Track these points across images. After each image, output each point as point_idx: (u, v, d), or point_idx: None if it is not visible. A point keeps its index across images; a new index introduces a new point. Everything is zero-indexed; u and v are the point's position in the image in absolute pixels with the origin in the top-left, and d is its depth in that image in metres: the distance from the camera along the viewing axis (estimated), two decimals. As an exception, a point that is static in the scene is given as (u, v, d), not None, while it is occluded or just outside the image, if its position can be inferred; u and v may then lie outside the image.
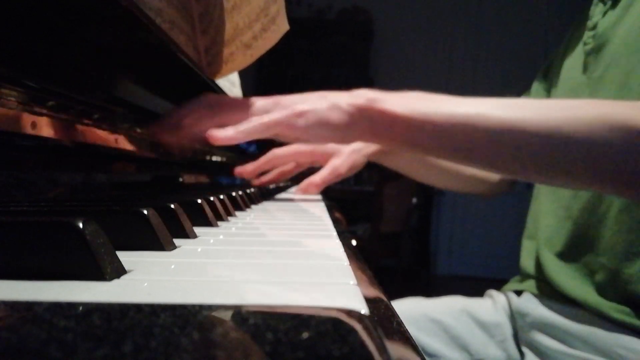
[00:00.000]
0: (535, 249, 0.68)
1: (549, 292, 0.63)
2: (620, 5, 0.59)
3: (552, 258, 0.63)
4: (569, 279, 0.60)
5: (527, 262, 0.71)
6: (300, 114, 0.52)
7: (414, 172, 0.82)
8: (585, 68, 0.63)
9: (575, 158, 0.45)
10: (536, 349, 0.63)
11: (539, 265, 0.66)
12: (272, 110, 0.54)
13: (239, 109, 0.55)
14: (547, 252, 0.64)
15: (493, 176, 0.79)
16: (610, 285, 0.55)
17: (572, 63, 0.67)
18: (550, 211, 0.66)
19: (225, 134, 0.53)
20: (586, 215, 0.59)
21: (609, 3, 0.61)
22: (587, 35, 0.63)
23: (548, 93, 0.75)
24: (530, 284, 0.68)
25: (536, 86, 0.79)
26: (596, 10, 0.63)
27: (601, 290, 0.56)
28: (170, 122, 0.56)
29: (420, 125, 0.49)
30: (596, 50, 0.60)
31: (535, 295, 0.66)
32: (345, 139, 0.54)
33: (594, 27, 0.62)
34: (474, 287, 0.77)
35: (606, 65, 0.58)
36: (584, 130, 0.44)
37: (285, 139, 0.57)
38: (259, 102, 0.55)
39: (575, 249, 0.60)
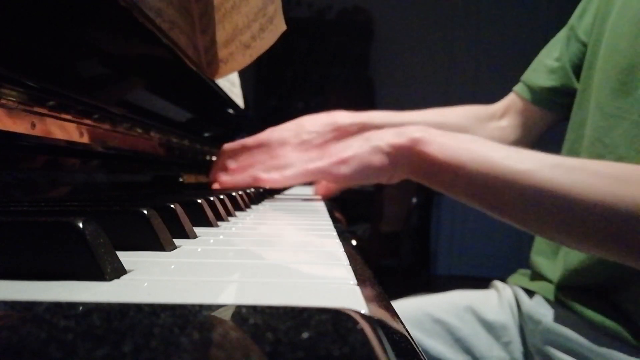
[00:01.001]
0: (552, 250, 0.64)
1: (564, 301, 0.59)
2: None
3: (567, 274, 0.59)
4: (580, 298, 0.57)
5: (539, 259, 0.67)
6: (344, 161, 0.55)
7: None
8: None
9: (614, 235, 0.43)
10: (547, 358, 0.60)
11: (552, 268, 0.63)
12: (317, 158, 0.58)
13: (282, 155, 0.61)
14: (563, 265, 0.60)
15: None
16: (624, 308, 0.53)
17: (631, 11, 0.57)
18: None
19: (272, 177, 0.58)
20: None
21: None
22: None
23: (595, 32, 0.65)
24: (544, 286, 0.64)
25: (571, 29, 0.70)
26: None
27: (617, 313, 0.53)
28: (235, 174, 0.63)
29: (455, 172, 0.49)
30: None
31: (549, 301, 0.62)
32: (391, 179, 0.56)
33: None
34: (474, 287, 0.77)
35: None
36: (625, 212, 0.41)
37: (331, 182, 0.60)
38: (308, 153, 0.60)
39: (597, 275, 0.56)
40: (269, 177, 0.58)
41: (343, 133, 0.69)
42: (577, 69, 0.68)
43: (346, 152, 0.55)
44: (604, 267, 0.55)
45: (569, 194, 0.43)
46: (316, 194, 0.77)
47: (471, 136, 0.52)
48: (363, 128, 0.70)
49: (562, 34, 0.72)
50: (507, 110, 0.77)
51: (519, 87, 0.75)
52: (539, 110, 0.73)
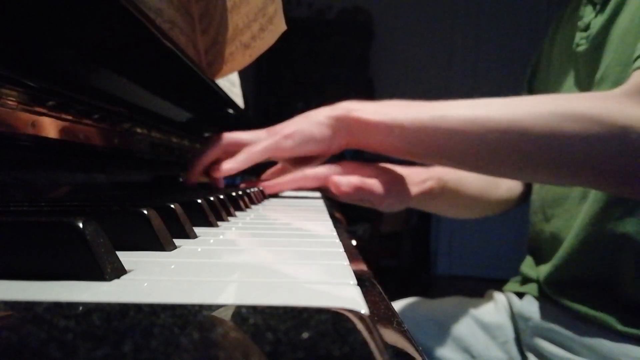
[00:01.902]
0: (538, 252, 0.67)
1: (551, 297, 0.62)
2: (609, 6, 0.58)
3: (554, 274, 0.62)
4: (571, 294, 0.59)
5: (527, 269, 0.70)
6: (287, 136, 0.60)
7: (448, 212, 0.82)
8: (577, 70, 0.62)
9: (535, 150, 0.47)
10: (539, 354, 0.62)
11: (540, 268, 0.66)
12: (263, 138, 0.62)
13: (243, 140, 0.64)
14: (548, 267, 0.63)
15: (514, 195, 0.79)
16: (611, 297, 0.55)
17: (562, 66, 0.66)
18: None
19: (227, 166, 0.62)
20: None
21: (599, 5, 0.60)
22: (580, 36, 0.62)
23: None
24: (532, 287, 0.67)
25: (526, 90, 0.79)
26: (586, 11, 0.62)
27: (602, 302, 0.55)
28: (197, 168, 0.66)
29: (389, 129, 0.54)
30: (591, 52, 0.60)
31: (537, 299, 0.65)
32: (332, 148, 0.61)
33: (587, 29, 0.61)
34: (474, 287, 0.77)
35: (605, 66, 0.57)
36: (541, 123, 0.46)
37: (279, 159, 0.66)
38: (253, 133, 0.64)
39: (574, 265, 0.59)
40: (226, 167, 0.61)
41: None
42: None
43: (289, 127, 0.61)
44: (588, 259, 0.57)
45: (486, 122, 0.49)
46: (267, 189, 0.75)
47: (398, 101, 0.57)
48: None
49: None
50: None
51: None
52: None
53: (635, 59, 0.49)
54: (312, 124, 0.60)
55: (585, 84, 0.60)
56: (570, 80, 0.64)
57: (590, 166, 0.47)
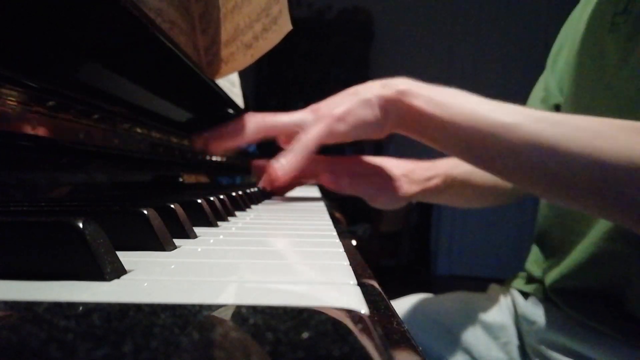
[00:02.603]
0: (544, 259, 0.66)
1: (557, 303, 0.61)
2: None
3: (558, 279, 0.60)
4: (578, 304, 0.58)
5: (533, 267, 0.69)
6: (339, 119, 0.54)
7: (455, 203, 0.79)
8: (614, 24, 0.55)
9: (594, 187, 0.43)
10: (543, 357, 0.61)
11: (544, 274, 0.64)
12: (312, 122, 0.55)
13: (282, 125, 0.57)
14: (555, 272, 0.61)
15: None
16: (618, 310, 0.54)
17: (591, 48, 0.60)
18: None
19: (287, 162, 0.54)
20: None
21: None
22: (616, 17, 0.55)
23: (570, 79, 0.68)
24: (537, 288, 0.66)
25: (546, 78, 0.74)
26: None
27: (610, 315, 0.54)
28: (220, 136, 0.59)
29: (442, 125, 0.49)
30: (632, 32, 0.53)
31: (542, 301, 0.64)
32: (382, 133, 0.55)
33: (624, 10, 0.54)
34: (474, 287, 0.77)
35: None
36: (608, 163, 0.42)
37: (330, 141, 0.57)
38: (297, 115, 0.57)
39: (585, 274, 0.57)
40: (286, 166, 0.54)
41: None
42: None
43: (340, 107, 0.55)
44: (599, 270, 0.55)
45: (552, 147, 0.44)
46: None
47: (456, 90, 0.52)
48: None
49: (545, 70, 0.75)
50: None
51: None
52: None
53: None
54: (363, 104, 0.54)
55: (624, 64, 0.54)
56: (605, 62, 0.57)
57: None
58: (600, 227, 0.55)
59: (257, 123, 0.58)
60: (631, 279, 0.53)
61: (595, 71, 0.58)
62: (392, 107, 0.53)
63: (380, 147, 3.34)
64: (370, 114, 0.53)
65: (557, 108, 0.71)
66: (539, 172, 0.46)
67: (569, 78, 0.66)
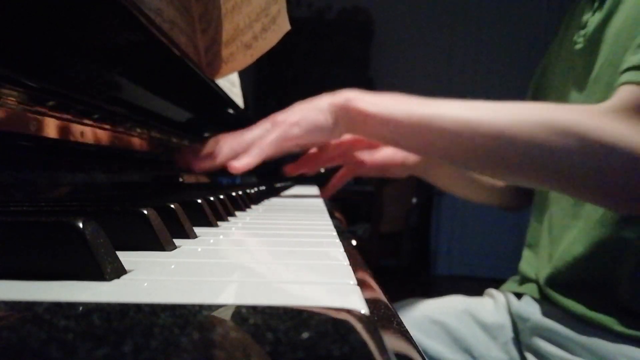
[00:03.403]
0: (536, 259, 0.67)
1: (550, 297, 0.62)
2: (607, 4, 0.58)
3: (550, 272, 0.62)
4: (570, 294, 0.59)
5: (526, 268, 0.70)
6: (293, 124, 0.62)
7: (453, 187, 0.85)
8: (575, 69, 0.62)
9: (519, 158, 0.50)
10: (538, 354, 0.62)
11: (537, 272, 0.66)
12: (270, 129, 0.63)
13: (245, 138, 0.64)
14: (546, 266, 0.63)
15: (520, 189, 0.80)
16: (609, 299, 0.55)
17: (564, 66, 0.67)
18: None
19: (241, 162, 0.62)
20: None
21: (597, 2, 0.60)
22: (578, 35, 0.62)
23: (539, 96, 0.75)
24: (530, 287, 0.67)
25: (532, 88, 0.79)
26: (585, 9, 0.62)
27: (601, 304, 0.56)
28: (196, 158, 0.66)
29: (384, 122, 0.57)
30: (587, 51, 0.60)
31: (536, 300, 0.65)
32: (334, 135, 0.63)
33: (584, 26, 0.61)
34: (474, 287, 0.77)
35: (599, 65, 0.57)
36: (526, 133, 0.49)
37: (288, 149, 0.66)
38: (258, 128, 0.65)
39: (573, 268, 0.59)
40: (241, 164, 0.62)
41: None
42: None
43: (294, 115, 0.63)
44: (589, 259, 0.57)
45: (475, 127, 0.51)
46: (324, 196, 0.84)
47: (397, 94, 0.60)
48: None
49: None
50: None
51: None
52: None
53: (623, 72, 0.49)
54: (315, 111, 0.61)
55: (583, 84, 0.60)
56: (570, 80, 0.64)
57: (572, 179, 0.49)
58: (585, 220, 0.58)
59: (230, 144, 0.65)
60: (618, 268, 0.54)
61: (575, 85, 0.63)
62: (341, 112, 0.60)
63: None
64: (322, 118, 0.61)
65: None
66: (469, 151, 0.53)
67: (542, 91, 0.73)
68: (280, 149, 0.63)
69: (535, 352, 0.63)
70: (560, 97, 0.65)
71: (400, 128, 0.57)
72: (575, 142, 0.47)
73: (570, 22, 0.68)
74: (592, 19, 0.60)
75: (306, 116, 0.62)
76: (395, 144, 0.60)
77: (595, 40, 0.58)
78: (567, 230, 0.60)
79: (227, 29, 0.71)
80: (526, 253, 0.72)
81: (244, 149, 0.64)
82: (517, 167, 0.51)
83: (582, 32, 0.61)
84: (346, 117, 0.60)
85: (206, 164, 0.65)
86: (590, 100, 0.57)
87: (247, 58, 0.72)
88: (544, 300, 0.64)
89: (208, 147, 0.66)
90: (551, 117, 0.48)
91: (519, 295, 0.69)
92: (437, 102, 0.56)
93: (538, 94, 0.75)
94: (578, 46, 0.62)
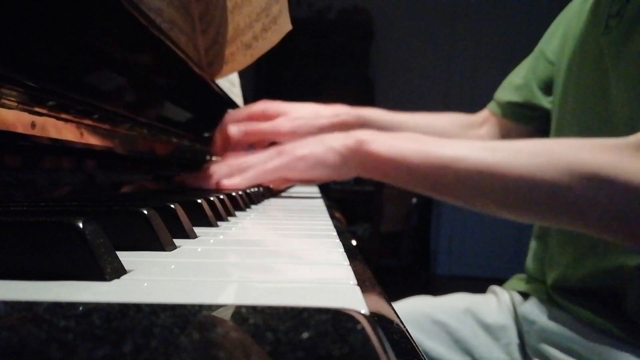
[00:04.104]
0: (545, 253, 0.66)
1: (558, 301, 0.61)
2: None
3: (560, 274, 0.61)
4: (578, 300, 0.58)
5: (533, 266, 0.69)
6: (300, 159, 0.60)
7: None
8: (607, 27, 0.56)
9: (542, 203, 0.48)
10: (544, 358, 0.61)
11: (545, 272, 0.65)
12: (274, 158, 0.62)
13: (247, 160, 0.64)
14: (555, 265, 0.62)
15: None
16: (616, 306, 0.54)
17: (591, 23, 0.61)
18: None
19: (232, 182, 0.62)
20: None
21: None
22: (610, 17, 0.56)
23: (558, 60, 0.71)
24: (537, 288, 0.66)
25: (540, 51, 0.77)
26: None
27: (609, 311, 0.55)
28: (199, 179, 0.67)
29: (398, 165, 0.56)
30: (622, 38, 0.54)
31: (543, 301, 0.64)
32: (341, 175, 0.61)
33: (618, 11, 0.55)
34: (474, 287, 0.77)
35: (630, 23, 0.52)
36: (550, 178, 0.47)
37: (288, 182, 0.66)
38: (264, 153, 0.64)
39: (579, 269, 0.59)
40: (230, 183, 0.62)
41: (342, 126, 0.74)
42: (545, 86, 0.75)
43: (303, 150, 0.61)
44: (596, 269, 0.56)
45: (495, 171, 0.49)
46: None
47: (410, 134, 0.59)
48: (362, 124, 0.75)
49: (530, 56, 0.80)
50: (485, 121, 0.85)
51: (491, 104, 0.84)
52: (509, 123, 0.80)
53: None
54: (326, 149, 0.60)
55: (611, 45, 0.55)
56: (596, 41, 0.58)
57: (595, 223, 0.47)
58: None
59: (230, 164, 0.65)
60: (624, 276, 0.54)
61: (593, 71, 0.60)
62: (353, 154, 0.59)
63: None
64: (330, 157, 0.59)
65: (545, 89, 0.74)
66: (488, 196, 0.51)
67: (563, 74, 0.68)
68: (278, 179, 0.63)
69: (542, 356, 0.62)
70: (594, 79, 0.59)
71: (415, 172, 0.55)
72: (601, 188, 0.45)
73: (592, 3, 0.62)
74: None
75: (314, 152, 0.60)
76: (410, 187, 0.58)
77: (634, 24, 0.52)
78: (578, 238, 0.60)
79: (228, 29, 0.71)
80: (533, 245, 0.71)
81: (241, 170, 0.64)
82: (538, 211, 0.50)
83: (616, 19, 0.55)
84: (357, 160, 0.59)
85: (203, 183, 0.66)
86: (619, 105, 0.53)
87: (247, 58, 0.72)
88: (551, 303, 0.63)
89: (210, 169, 0.66)
90: (576, 161, 0.46)
91: (524, 295, 0.69)
92: (454, 143, 0.55)
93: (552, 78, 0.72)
94: (611, 31, 0.56)
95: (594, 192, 0.45)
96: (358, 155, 0.58)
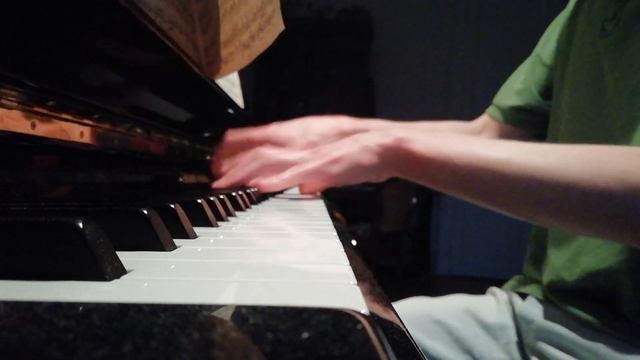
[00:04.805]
0: (541, 254, 0.67)
1: (554, 301, 0.62)
2: None
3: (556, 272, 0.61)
4: (574, 301, 0.59)
5: (530, 267, 0.70)
6: (335, 161, 0.59)
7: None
8: (603, 30, 0.56)
9: (592, 212, 0.46)
10: (541, 356, 0.62)
11: (541, 273, 0.65)
12: (310, 159, 0.61)
13: (280, 158, 0.64)
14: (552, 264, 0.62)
15: None
16: (612, 306, 0.55)
17: (586, 26, 0.61)
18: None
19: (270, 182, 0.62)
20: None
21: None
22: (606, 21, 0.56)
23: (555, 63, 0.71)
24: (534, 288, 0.67)
25: (537, 56, 0.77)
26: None
27: (605, 311, 0.55)
28: (229, 177, 0.67)
29: (441, 166, 0.53)
30: (619, 42, 0.54)
31: (540, 301, 0.65)
32: (379, 177, 0.60)
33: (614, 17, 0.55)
34: (474, 287, 0.77)
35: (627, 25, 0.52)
36: (601, 187, 0.44)
37: (325, 186, 0.65)
38: (299, 152, 0.63)
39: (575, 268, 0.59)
40: (268, 183, 0.62)
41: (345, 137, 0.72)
42: (544, 90, 0.75)
43: (338, 151, 0.59)
44: (590, 270, 0.57)
45: (544, 176, 0.47)
46: (302, 192, 0.76)
47: (449, 133, 0.58)
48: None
49: (528, 61, 0.80)
50: (484, 127, 0.84)
51: (490, 109, 0.83)
52: (510, 128, 0.79)
53: None
54: (361, 149, 0.58)
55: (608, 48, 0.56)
56: (594, 43, 0.58)
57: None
58: None
59: (262, 160, 0.65)
60: (620, 277, 0.54)
61: (589, 74, 0.60)
62: (392, 154, 0.56)
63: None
64: (366, 158, 0.57)
65: (544, 92, 0.74)
66: (536, 201, 0.49)
67: (559, 78, 0.68)
68: (312, 181, 0.62)
69: (539, 354, 0.62)
70: (590, 83, 0.59)
71: (459, 174, 0.52)
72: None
73: (589, 7, 0.62)
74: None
75: (349, 153, 0.58)
76: (450, 189, 0.56)
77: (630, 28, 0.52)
78: (572, 239, 0.60)
79: (226, 29, 0.71)
80: (531, 247, 0.71)
81: (274, 168, 0.63)
82: (588, 220, 0.47)
83: (612, 23, 0.55)
84: (397, 159, 0.56)
85: (245, 180, 0.66)
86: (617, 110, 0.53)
87: (246, 58, 0.72)
88: (548, 302, 0.63)
89: (244, 158, 0.66)
90: (628, 169, 0.44)
91: (522, 295, 0.69)
92: (500, 144, 0.52)
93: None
94: (607, 34, 0.56)
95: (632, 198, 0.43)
96: (397, 155, 0.56)
